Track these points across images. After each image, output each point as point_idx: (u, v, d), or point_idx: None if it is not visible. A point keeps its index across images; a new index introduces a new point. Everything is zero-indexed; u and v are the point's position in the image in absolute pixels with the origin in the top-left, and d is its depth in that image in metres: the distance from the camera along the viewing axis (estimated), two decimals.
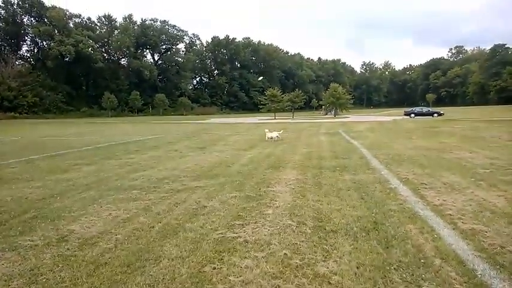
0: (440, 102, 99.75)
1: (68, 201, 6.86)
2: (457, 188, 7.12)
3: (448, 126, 26.54)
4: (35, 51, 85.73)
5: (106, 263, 4.08)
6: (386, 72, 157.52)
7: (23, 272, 3.89)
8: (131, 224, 5.42)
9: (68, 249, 4.52)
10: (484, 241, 4.40)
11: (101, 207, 6.44)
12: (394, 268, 3.75)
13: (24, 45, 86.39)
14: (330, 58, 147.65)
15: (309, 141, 17.63)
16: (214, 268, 3.88)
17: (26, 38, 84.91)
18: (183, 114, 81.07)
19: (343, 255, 4.10)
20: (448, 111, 57.70)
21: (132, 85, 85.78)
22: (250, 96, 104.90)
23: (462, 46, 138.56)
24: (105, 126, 38.65)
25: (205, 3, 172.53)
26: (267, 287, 3.46)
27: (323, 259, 4.03)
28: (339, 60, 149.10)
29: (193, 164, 11.06)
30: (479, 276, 3.55)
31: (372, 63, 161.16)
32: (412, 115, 48.07)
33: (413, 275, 3.59)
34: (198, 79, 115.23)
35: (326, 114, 66.93)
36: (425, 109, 52.68)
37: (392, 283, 3.46)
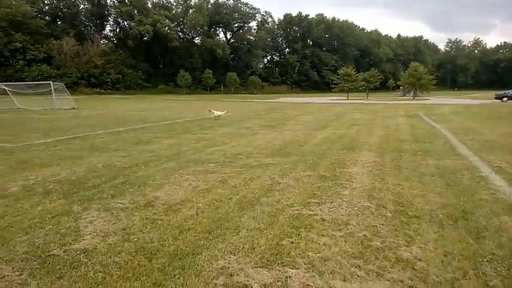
0: None
1: (152, 171, 7.33)
2: None
3: None
4: (117, 31, 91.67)
5: (189, 228, 4.30)
6: (476, 51, 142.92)
7: (117, 231, 4.25)
8: (210, 195, 5.65)
9: (154, 213, 4.85)
10: None
11: (182, 177, 6.79)
12: (487, 260, 3.46)
13: (107, 25, 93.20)
14: (410, 35, 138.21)
15: (385, 123, 16.82)
16: (292, 242, 3.90)
17: (109, 18, 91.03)
18: (253, 93, 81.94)
19: (428, 242, 3.88)
20: None
21: (205, 63, 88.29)
22: (322, 75, 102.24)
23: None
24: (180, 103, 40.50)
25: None
26: (346, 265, 3.40)
27: (406, 244, 3.86)
28: (421, 37, 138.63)
29: (265, 142, 11.16)
30: None
31: (459, 41, 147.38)
32: (505, 99, 42.71)
33: (509, 269, 3.29)
34: (269, 58, 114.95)
35: (404, 95, 63.12)
36: None
37: (486, 275, 3.20)
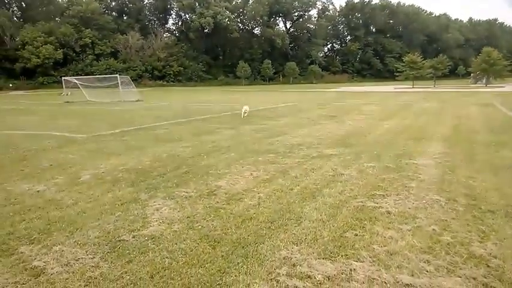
0: None
1: (213, 161, 7.53)
2: None
3: None
4: (179, 24, 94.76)
5: (251, 217, 4.38)
6: None
7: (182, 218, 4.44)
8: (271, 185, 5.70)
9: (217, 202, 5.00)
10: None
11: (242, 167, 6.91)
12: None
13: (170, 19, 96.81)
14: (483, 18, 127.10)
15: (456, 113, 15.73)
16: (356, 235, 3.83)
17: (172, 12, 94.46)
18: (312, 83, 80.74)
19: (504, 239, 3.60)
20: None
21: (264, 54, 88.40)
22: (385, 63, 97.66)
23: None
24: (240, 94, 41.00)
25: None
26: (414, 260, 3.27)
27: (479, 240, 3.62)
28: (496, 20, 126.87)
29: (327, 132, 10.99)
30: None
31: None
32: None
33: None
34: (329, 46, 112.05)
35: (475, 83, 58.35)
36: None
37: None
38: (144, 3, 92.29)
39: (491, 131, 10.30)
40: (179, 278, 3.08)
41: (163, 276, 3.12)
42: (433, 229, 3.89)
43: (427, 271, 3.09)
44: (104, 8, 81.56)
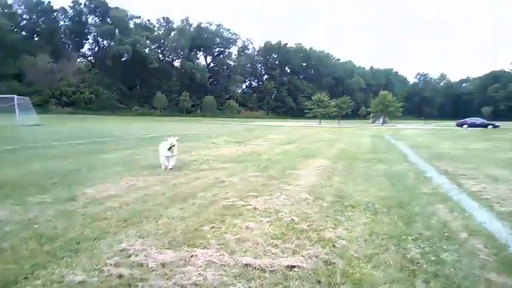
0: (497, 116, 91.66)
1: (93, 174, 6.90)
2: (502, 179, 6.39)
3: (504, 134, 24.51)
4: (96, 49, 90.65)
5: (105, 218, 3.97)
6: (441, 84, 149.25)
7: (22, 221, 3.85)
8: (143, 191, 5.33)
9: (73, 206, 4.47)
10: None
11: (121, 178, 6.42)
12: (412, 239, 3.31)
13: (86, 44, 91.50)
14: (382, 67, 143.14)
15: (349, 141, 16.95)
16: (213, 227, 3.64)
17: (89, 36, 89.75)
18: (229, 117, 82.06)
19: (357, 225, 3.70)
20: (505, 125, 53.23)
21: (183, 86, 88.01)
22: (297, 102, 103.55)
23: None
24: (154, 124, 39.83)
25: (258, 8, 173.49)
26: (264, 245, 3.16)
27: (333, 227, 3.66)
28: (391, 69, 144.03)
29: (225, 152, 10.95)
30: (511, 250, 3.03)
31: (426, 74, 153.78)
32: (465, 126, 44.34)
33: (432, 247, 3.13)
34: (247, 83, 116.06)
35: (374, 122, 64.51)
36: (479, 120, 47.49)
37: (406, 250, 3.03)
38: (59, 25, 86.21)
39: (374, 152, 11.16)
40: None
41: None
42: (292, 219, 3.87)
43: (273, 253, 3.00)
44: (12, 26, 74.30)
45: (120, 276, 2.58)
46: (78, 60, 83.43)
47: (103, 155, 10.01)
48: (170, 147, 7.28)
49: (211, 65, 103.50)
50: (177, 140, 7.46)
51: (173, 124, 38.61)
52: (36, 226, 3.68)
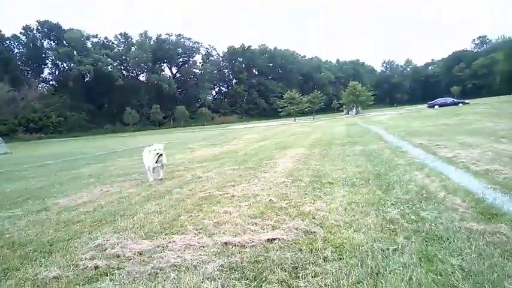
0: (466, 94, 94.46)
1: (66, 187, 6.67)
2: (474, 144, 6.53)
3: (472, 109, 25.32)
4: (56, 73, 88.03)
5: (80, 221, 3.80)
6: (408, 69, 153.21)
7: None
8: (118, 195, 5.16)
9: (45, 215, 4.28)
10: (498, 177, 3.88)
11: (95, 187, 6.22)
12: (392, 203, 3.29)
13: (45, 68, 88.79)
14: (348, 59, 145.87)
15: (323, 131, 17.06)
16: (190, 216, 3.53)
17: (47, 61, 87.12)
18: (203, 125, 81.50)
19: (335, 198, 3.66)
20: (474, 102, 55.16)
21: (152, 99, 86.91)
22: (270, 102, 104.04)
23: (485, 36, 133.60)
24: (126, 139, 39.11)
25: (219, 15, 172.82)
26: (243, 224, 3.07)
27: (311, 202, 3.61)
28: (358, 60, 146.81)
29: (201, 154, 10.81)
30: (489, 201, 3.05)
31: (392, 61, 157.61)
32: (436, 106, 45.59)
33: (412, 207, 3.12)
34: (217, 89, 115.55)
35: (347, 113, 65.43)
36: (449, 99, 49.17)
37: (385, 213, 3.00)
38: (14, 53, 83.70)
39: (349, 136, 11.27)
40: None
41: None
42: (271, 199, 3.80)
43: (252, 230, 2.92)
44: None
45: (96, 267, 2.46)
46: (40, 85, 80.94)
47: (75, 170, 9.68)
48: (157, 158, 6.04)
49: (178, 75, 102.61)
50: (162, 148, 6.16)
51: (145, 137, 37.97)
52: (8, 236, 3.50)
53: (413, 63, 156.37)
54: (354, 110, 60.07)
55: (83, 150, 20.86)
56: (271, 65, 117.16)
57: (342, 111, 74.78)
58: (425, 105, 53.13)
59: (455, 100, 48.84)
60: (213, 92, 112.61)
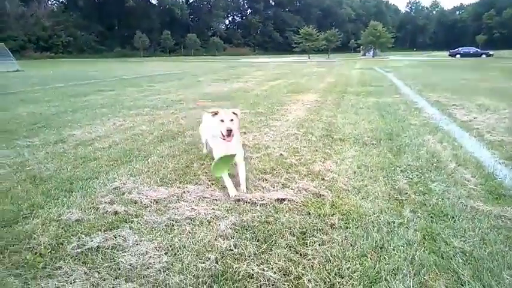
0: (491, 44, 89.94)
1: (79, 116, 6.79)
2: (492, 108, 6.41)
3: (496, 63, 24.40)
4: None
5: (96, 158, 3.94)
6: (434, 12, 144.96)
7: (13, 164, 3.81)
8: (131, 131, 5.27)
9: (63, 148, 4.42)
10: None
11: (108, 119, 6.32)
12: (401, 170, 3.33)
13: None
14: None
15: (339, 74, 16.72)
16: (203, 164, 3.63)
17: None
18: (214, 55, 79.80)
19: (345, 158, 3.71)
20: (499, 54, 52.72)
21: (163, 25, 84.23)
22: (285, 36, 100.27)
23: None
24: (136, 64, 38.72)
25: None
26: (253, 180, 3.17)
27: (322, 160, 3.66)
28: None
29: (213, 90, 10.75)
30: (499, 178, 3.08)
31: (418, 2, 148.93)
32: (458, 55, 43.86)
33: (421, 176, 3.16)
34: (230, 18, 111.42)
35: (364, 54, 63.35)
36: (472, 49, 47.04)
37: (394, 181, 3.06)
38: None
39: (363, 84, 11.04)
40: None
41: None
42: (281, 154, 3.86)
43: (263, 187, 3.01)
44: None
45: (116, 213, 2.60)
46: (50, 2, 78.15)
47: (87, 97, 9.74)
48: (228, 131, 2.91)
49: (191, 0, 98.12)
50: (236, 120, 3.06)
51: (154, 64, 37.56)
52: (29, 168, 3.65)
53: (441, 6, 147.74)
54: (372, 52, 58.06)
55: (93, 74, 20.77)
56: None
57: (359, 51, 72.12)
58: (446, 53, 51.10)
59: (478, 50, 46.69)
60: (226, 21, 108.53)
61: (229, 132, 2.82)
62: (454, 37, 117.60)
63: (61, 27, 71.02)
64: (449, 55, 45.50)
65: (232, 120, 2.92)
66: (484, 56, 42.64)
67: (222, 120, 2.90)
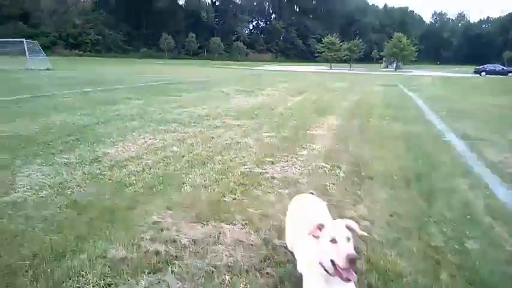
0: None
1: (110, 129, 7.00)
2: None
3: None
4: None
5: (131, 184, 4.07)
6: (459, 24, 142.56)
7: (53, 185, 3.98)
8: (163, 152, 5.41)
9: (99, 168, 4.58)
10: None
11: (139, 135, 6.51)
12: (435, 221, 3.33)
13: None
14: (397, 5, 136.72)
15: (361, 91, 16.66)
16: (235, 199, 3.72)
17: None
18: (237, 60, 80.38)
19: (376, 203, 3.73)
20: None
21: (189, 27, 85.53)
22: (308, 43, 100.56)
23: None
24: (161, 67, 39.42)
25: None
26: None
27: (353, 203, 3.71)
28: (407, 8, 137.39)
29: (237, 104, 10.92)
30: None
31: (444, 13, 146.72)
32: (483, 73, 43.02)
33: (455, 232, 3.14)
34: (254, 23, 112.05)
35: (386, 67, 62.80)
36: (498, 67, 45.86)
37: (429, 236, 3.07)
38: None
39: (388, 107, 10.99)
40: (29, 245, 2.74)
41: (11, 243, 2.77)
42: (311, 193, 3.92)
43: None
44: None
45: (157, 253, 2.68)
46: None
47: (116, 106, 10.02)
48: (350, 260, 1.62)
49: (217, 3, 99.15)
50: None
51: (180, 69, 38.04)
52: (69, 192, 3.82)
53: (467, 18, 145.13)
54: (394, 65, 57.46)
55: (121, 77, 21.23)
56: (314, 3, 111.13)
57: (381, 62, 71.39)
58: (470, 68, 50.16)
59: (504, 68, 45.61)
60: (250, 26, 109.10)
61: (353, 261, 1.61)
62: (479, 51, 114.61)
63: (90, 25, 72.97)
64: (475, 72, 44.63)
65: (349, 239, 1.71)
66: (510, 74, 41.75)
67: (333, 241, 1.69)
